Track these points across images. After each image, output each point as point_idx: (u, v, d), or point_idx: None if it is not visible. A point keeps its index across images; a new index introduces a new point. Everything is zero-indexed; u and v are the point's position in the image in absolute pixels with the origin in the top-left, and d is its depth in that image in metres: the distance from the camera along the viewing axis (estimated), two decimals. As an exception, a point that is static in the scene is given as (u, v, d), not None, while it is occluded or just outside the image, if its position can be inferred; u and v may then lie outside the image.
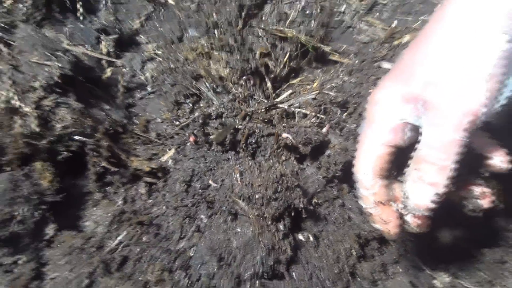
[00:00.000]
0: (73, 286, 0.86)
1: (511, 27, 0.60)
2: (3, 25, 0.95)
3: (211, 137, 1.00)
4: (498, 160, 0.74)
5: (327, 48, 1.14)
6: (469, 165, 0.73)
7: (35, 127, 0.87)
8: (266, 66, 1.06)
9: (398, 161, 0.74)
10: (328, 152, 0.97)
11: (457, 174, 0.65)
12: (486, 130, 0.71)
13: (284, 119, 1.02)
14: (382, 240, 0.95)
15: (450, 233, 0.96)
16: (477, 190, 0.77)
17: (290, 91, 1.09)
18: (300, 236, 0.97)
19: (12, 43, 0.94)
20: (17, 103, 0.87)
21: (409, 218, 0.72)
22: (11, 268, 0.86)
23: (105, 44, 1.09)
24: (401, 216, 0.75)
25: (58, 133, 0.91)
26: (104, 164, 0.97)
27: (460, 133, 0.62)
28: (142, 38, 1.17)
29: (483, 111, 0.62)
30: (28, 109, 0.87)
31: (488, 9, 0.61)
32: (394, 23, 1.19)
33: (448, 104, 0.63)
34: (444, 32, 0.65)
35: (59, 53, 0.94)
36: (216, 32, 1.09)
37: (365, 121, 0.74)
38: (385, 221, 0.76)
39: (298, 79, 1.13)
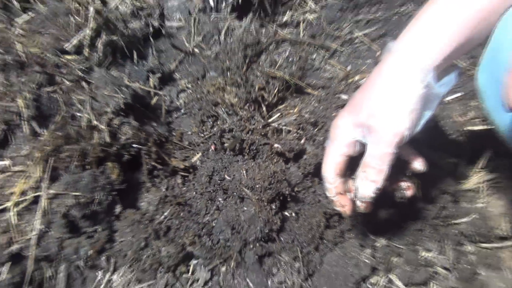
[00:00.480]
0: (134, 246, 0.88)
1: (425, 79, 0.64)
2: (84, 69, 0.96)
3: (225, 145, 1.01)
4: (417, 164, 0.77)
5: (303, 84, 1.14)
6: (398, 168, 0.76)
7: (107, 139, 0.89)
8: (262, 96, 1.06)
9: (351, 165, 0.76)
10: (305, 156, 0.98)
11: (390, 174, 0.69)
12: (410, 144, 0.73)
13: (275, 134, 1.03)
14: (340, 216, 0.96)
15: (386, 212, 0.98)
16: (403, 184, 0.80)
17: (278, 114, 1.09)
18: (286, 213, 0.98)
19: (90, 81, 0.95)
20: (95, 122, 0.89)
21: (358, 203, 0.75)
22: (92, 234, 0.89)
23: (152, 80, 1.09)
24: (353, 202, 0.77)
25: (122, 143, 0.92)
26: (153, 163, 0.98)
27: (391, 148, 0.66)
28: (177, 75, 1.16)
29: (407, 133, 0.66)
30: (102, 126, 0.89)
31: (410, 67, 0.65)
32: (349, 67, 1.20)
33: (383, 129, 0.66)
34: (382, 82, 0.68)
35: (123, 88, 0.95)
36: (228, 73, 1.10)
37: (329, 139, 0.77)
38: (342, 205, 0.79)
39: (284, 105, 1.13)
